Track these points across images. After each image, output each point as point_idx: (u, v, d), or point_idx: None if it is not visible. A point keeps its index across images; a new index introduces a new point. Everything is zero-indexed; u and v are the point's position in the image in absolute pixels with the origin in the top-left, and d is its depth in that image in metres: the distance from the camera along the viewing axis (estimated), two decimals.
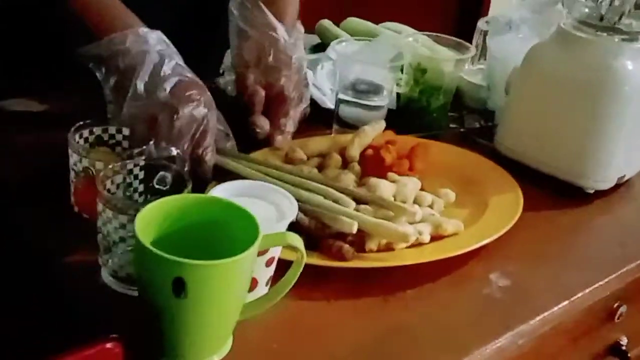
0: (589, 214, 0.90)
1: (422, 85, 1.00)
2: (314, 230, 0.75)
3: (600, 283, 0.79)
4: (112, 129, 0.76)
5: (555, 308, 0.74)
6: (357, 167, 0.87)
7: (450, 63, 1.00)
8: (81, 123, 0.74)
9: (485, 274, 0.77)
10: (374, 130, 0.91)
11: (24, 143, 0.85)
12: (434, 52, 1.03)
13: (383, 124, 0.93)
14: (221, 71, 1.06)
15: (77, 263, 0.70)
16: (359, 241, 0.75)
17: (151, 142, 0.74)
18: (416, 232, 0.77)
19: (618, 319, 0.88)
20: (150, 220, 0.60)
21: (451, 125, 1.03)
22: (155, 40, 0.80)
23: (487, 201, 0.86)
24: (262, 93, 0.92)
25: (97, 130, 0.76)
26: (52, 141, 0.78)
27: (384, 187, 0.81)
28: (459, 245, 0.77)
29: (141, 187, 0.72)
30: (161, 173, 0.70)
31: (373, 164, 0.86)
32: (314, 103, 0.99)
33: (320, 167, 0.87)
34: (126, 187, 0.71)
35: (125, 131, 0.77)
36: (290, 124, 0.91)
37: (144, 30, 0.80)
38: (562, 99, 0.90)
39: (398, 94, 1.03)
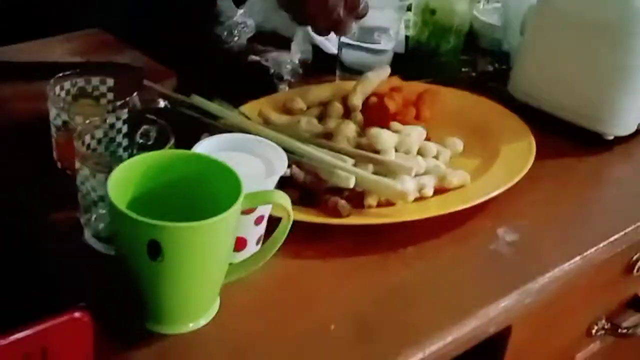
0: (608, 162, 0.84)
1: (431, 27, 0.94)
2: (309, 185, 0.71)
3: (616, 236, 0.73)
4: (95, 80, 0.72)
5: (566, 265, 0.69)
6: (359, 116, 0.81)
7: (462, 2, 0.94)
8: (61, 74, 0.70)
9: (493, 228, 0.72)
10: (378, 77, 0.86)
11: (5, 93, 0.81)
12: None
13: (388, 70, 0.87)
14: None
15: (60, 222, 0.67)
16: (358, 196, 0.71)
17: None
18: (416, 190, 0.72)
19: (637, 272, 0.84)
20: (125, 179, 0.56)
21: (463, 69, 0.97)
22: None
23: (497, 151, 0.80)
24: None
25: (80, 82, 0.72)
26: (37, 91, 0.74)
27: (386, 138, 0.76)
28: (463, 200, 0.72)
29: (125, 142, 0.68)
30: (144, 127, 0.66)
31: (376, 113, 0.81)
32: (316, 48, 0.94)
33: (321, 117, 0.82)
34: (109, 142, 0.67)
35: (110, 81, 0.72)
36: None
37: None
38: (581, 40, 0.83)
39: (406, 37, 0.97)
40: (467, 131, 0.83)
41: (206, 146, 0.63)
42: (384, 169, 0.73)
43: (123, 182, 0.55)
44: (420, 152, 0.78)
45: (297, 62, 0.91)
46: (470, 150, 0.80)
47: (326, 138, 0.77)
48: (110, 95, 0.72)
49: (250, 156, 0.64)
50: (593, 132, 0.85)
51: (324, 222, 0.68)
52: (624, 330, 0.85)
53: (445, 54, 0.95)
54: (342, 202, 0.69)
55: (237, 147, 0.64)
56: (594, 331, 0.84)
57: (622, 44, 0.82)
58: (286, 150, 0.71)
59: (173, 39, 0.88)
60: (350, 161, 0.72)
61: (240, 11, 0.94)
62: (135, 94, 0.70)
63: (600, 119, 0.85)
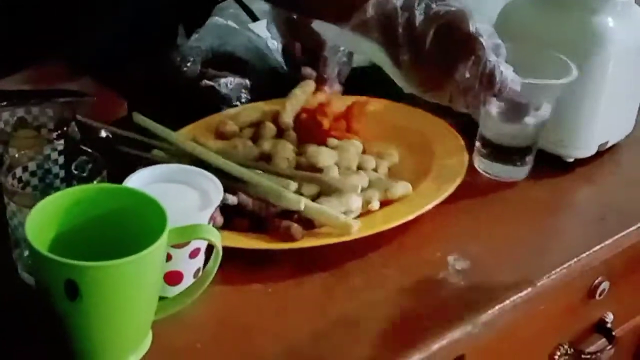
0: (567, 186, 0.82)
1: None
2: (258, 212, 0.69)
3: (570, 262, 0.71)
4: (35, 110, 0.70)
5: (518, 294, 0.66)
6: (293, 135, 0.80)
7: None
8: None
9: (443, 256, 0.69)
10: (305, 93, 0.84)
11: None
12: None
13: (312, 85, 0.85)
14: None
15: None
16: (304, 220, 0.68)
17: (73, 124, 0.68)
18: (361, 206, 0.70)
19: (600, 296, 0.81)
20: (47, 216, 0.53)
21: None
22: None
23: (431, 159, 0.78)
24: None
25: (19, 111, 0.70)
26: None
27: (325, 155, 0.75)
28: (409, 210, 0.70)
29: (62, 173, 0.66)
30: (80, 158, 0.64)
31: (310, 130, 0.80)
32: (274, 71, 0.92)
33: (255, 138, 0.80)
34: (44, 174, 0.65)
35: (49, 111, 0.70)
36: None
37: None
38: (536, 57, 0.81)
39: None
40: (399, 142, 0.81)
41: (140, 178, 0.61)
42: (329, 188, 0.71)
43: (45, 218, 0.53)
44: (359, 166, 0.76)
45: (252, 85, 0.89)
46: (406, 161, 0.79)
47: (264, 160, 0.76)
48: (51, 125, 0.70)
49: (186, 188, 0.62)
50: (551, 154, 0.83)
51: (266, 247, 0.66)
52: (587, 356, 0.83)
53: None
54: (295, 225, 0.67)
55: (172, 178, 0.62)
56: (556, 357, 0.81)
57: (579, 63, 0.79)
58: (230, 176, 0.69)
59: (130, 66, 0.87)
60: (294, 184, 0.71)
61: (195, 35, 0.92)
62: (73, 123, 0.68)
63: (559, 140, 0.82)
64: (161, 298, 0.58)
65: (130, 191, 0.56)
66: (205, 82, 0.87)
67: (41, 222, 0.53)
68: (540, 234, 0.75)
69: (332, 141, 0.78)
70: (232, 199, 0.67)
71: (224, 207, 0.67)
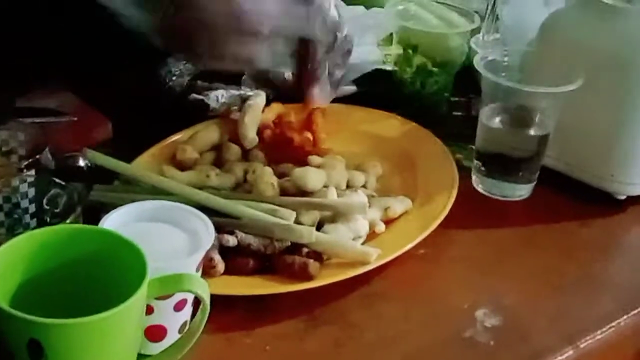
0: (618, 227, 0.80)
1: (414, 65, 0.91)
2: (263, 250, 0.68)
3: (621, 320, 0.69)
4: (3, 133, 0.70)
5: (558, 357, 0.65)
6: (260, 154, 0.80)
7: (453, 36, 0.91)
8: None
9: (470, 309, 0.68)
10: (261, 102, 0.84)
11: None
12: (432, 23, 0.93)
13: (263, 94, 0.86)
14: None
15: None
16: (313, 253, 0.68)
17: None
18: (377, 251, 0.68)
19: None
20: (11, 261, 0.53)
21: (454, 113, 0.94)
22: None
23: (413, 166, 0.81)
24: None
25: None
26: None
27: (313, 176, 0.74)
28: (418, 228, 0.72)
29: (33, 207, 0.65)
30: (53, 191, 0.63)
31: (279, 147, 0.80)
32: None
33: (219, 163, 0.80)
34: (12, 208, 0.64)
35: (21, 135, 0.70)
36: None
37: None
38: (586, 80, 0.80)
39: (389, 74, 0.94)
40: (374, 150, 0.83)
41: (119, 216, 0.60)
42: (332, 213, 0.71)
43: (9, 264, 0.52)
44: (347, 184, 0.77)
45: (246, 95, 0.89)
46: (388, 172, 0.81)
47: (242, 188, 0.76)
48: (22, 151, 0.70)
49: (173, 228, 0.61)
50: (599, 190, 0.81)
51: (278, 291, 0.65)
52: None
53: (432, 96, 0.92)
54: (311, 261, 0.66)
55: (156, 217, 0.61)
56: None
57: (635, 84, 0.78)
58: (221, 214, 0.69)
59: (113, 80, 0.86)
60: (292, 213, 0.70)
61: None
62: (46, 150, 0.67)
63: (610, 175, 0.80)
64: (141, 356, 0.57)
65: (107, 233, 0.55)
66: (194, 96, 0.87)
67: (4, 269, 0.52)
68: (586, 283, 0.73)
69: (316, 159, 0.78)
70: (231, 240, 0.66)
71: (222, 249, 0.66)
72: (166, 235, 0.60)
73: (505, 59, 0.81)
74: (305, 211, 0.71)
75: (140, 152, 0.80)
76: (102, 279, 0.55)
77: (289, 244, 0.68)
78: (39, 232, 0.54)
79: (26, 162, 0.65)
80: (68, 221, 0.60)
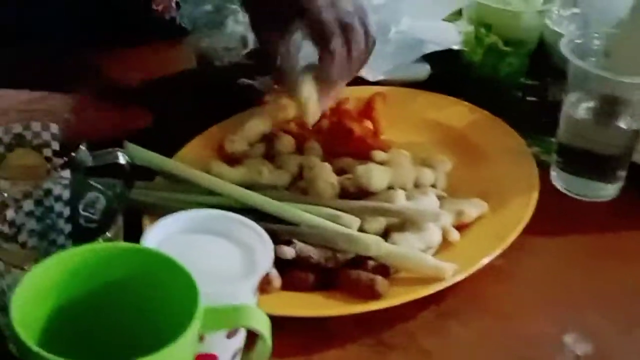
0: None
1: (486, 46, 0.82)
2: (324, 263, 0.61)
3: None
4: (36, 125, 0.63)
5: None
6: (316, 146, 0.73)
7: (528, 14, 0.82)
8: None
9: (558, 335, 0.60)
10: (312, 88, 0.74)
11: None
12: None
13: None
14: None
15: None
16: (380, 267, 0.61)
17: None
18: (453, 267, 0.61)
19: None
20: (41, 287, 0.46)
21: (527, 98, 0.85)
22: None
23: (486, 165, 0.73)
24: None
25: (16, 127, 0.62)
26: None
27: (378, 175, 0.67)
28: (498, 236, 0.64)
29: (68, 211, 0.59)
30: (89, 195, 0.56)
31: (337, 139, 0.73)
32: None
33: (270, 156, 0.72)
34: (44, 212, 0.58)
35: (54, 127, 0.63)
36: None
37: None
38: None
39: (459, 53, 0.86)
40: (440, 141, 0.76)
41: (165, 227, 0.53)
42: (400, 220, 0.65)
43: (38, 291, 0.46)
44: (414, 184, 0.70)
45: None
46: (456, 167, 0.73)
47: (297, 186, 0.69)
48: (55, 145, 0.63)
49: (223, 242, 0.54)
50: None
51: (341, 313, 0.58)
52: None
53: (505, 79, 0.83)
54: (379, 278, 0.59)
55: (204, 228, 0.54)
56: None
57: None
58: (277, 219, 0.62)
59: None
60: (356, 221, 0.63)
61: (230, 21, 0.84)
62: (83, 145, 0.60)
63: None
64: None
65: (152, 254, 0.48)
66: (243, 80, 0.79)
67: (33, 297, 0.45)
68: None
69: (379, 154, 0.71)
70: (289, 252, 0.59)
71: (278, 261, 0.59)
72: (217, 250, 0.53)
73: (596, 42, 0.73)
74: (370, 217, 0.64)
75: (181, 143, 0.74)
76: (146, 305, 0.48)
77: (353, 255, 0.61)
78: (72, 253, 0.47)
79: (61, 161, 0.59)
80: (109, 234, 0.53)
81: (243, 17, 0.84)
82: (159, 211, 0.64)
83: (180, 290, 0.47)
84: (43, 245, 0.58)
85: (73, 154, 0.59)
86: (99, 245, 0.50)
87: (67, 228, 0.59)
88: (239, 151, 0.72)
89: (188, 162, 0.70)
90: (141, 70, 0.83)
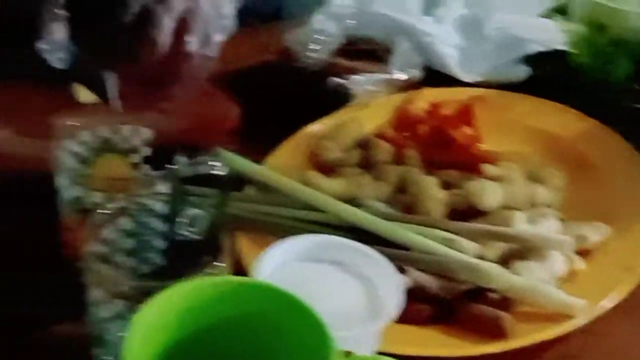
0: None
1: (596, 47, 0.76)
2: (442, 294, 0.56)
3: None
4: (126, 129, 0.58)
5: None
6: (415, 155, 0.68)
7: None
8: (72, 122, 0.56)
9: None
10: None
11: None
12: None
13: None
14: None
15: (65, 339, 0.54)
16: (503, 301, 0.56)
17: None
18: (582, 303, 0.56)
19: None
20: (152, 326, 0.42)
21: (637, 106, 0.79)
22: None
23: (599, 181, 0.67)
24: None
25: (104, 131, 0.58)
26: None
27: (490, 194, 0.62)
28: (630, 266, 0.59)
29: (165, 227, 0.54)
30: (190, 210, 0.52)
31: (437, 147, 0.69)
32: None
33: (365, 164, 0.67)
34: (139, 230, 0.53)
35: (146, 132, 0.58)
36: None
37: None
38: None
39: (560, 55, 0.80)
40: (548, 153, 0.70)
41: (279, 255, 0.49)
42: (521, 246, 0.59)
43: (150, 329, 0.41)
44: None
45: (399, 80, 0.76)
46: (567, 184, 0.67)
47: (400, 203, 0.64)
48: (146, 151, 0.58)
49: (342, 272, 0.49)
50: None
51: (455, 354, 0.53)
52: None
53: (618, 84, 0.77)
54: (505, 315, 0.54)
55: (321, 255, 0.50)
56: None
57: None
58: (381, 239, 0.57)
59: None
60: (474, 246, 0.58)
61: (320, 15, 0.79)
62: (179, 154, 0.56)
63: None
64: None
65: (273, 291, 0.43)
66: (334, 79, 0.74)
67: (143, 337, 0.41)
68: None
69: (490, 169, 0.66)
70: (404, 281, 0.55)
71: None
72: (335, 284, 0.49)
73: None
74: (487, 242, 0.59)
75: (267, 147, 0.69)
76: (264, 343, 0.44)
77: (472, 286, 0.56)
78: (185, 288, 0.43)
79: (158, 174, 0.54)
80: (223, 265, 0.48)
81: (338, 9, 0.79)
82: (256, 226, 0.60)
83: (304, 331, 0.43)
84: (135, 263, 0.54)
85: (171, 165, 0.55)
86: (214, 279, 0.46)
87: (162, 245, 0.54)
88: (332, 160, 0.67)
89: (278, 169, 0.66)
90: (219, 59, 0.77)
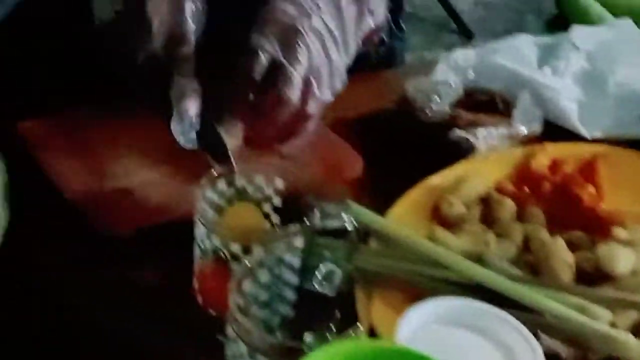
0: None
1: None
2: None
3: None
4: (259, 179, 0.59)
5: None
6: (538, 213, 0.66)
7: None
8: (215, 174, 0.58)
9: None
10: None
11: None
12: None
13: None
14: None
15: None
16: None
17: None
18: None
19: None
20: None
21: None
22: None
23: None
24: None
25: (239, 180, 0.59)
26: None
27: (622, 259, 0.61)
28: None
29: (296, 279, 0.54)
30: (324, 265, 0.52)
31: (564, 207, 0.67)
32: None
33: (487, 220, 0.67)
34: (273, 282, 0.54)
35: (279, 182, 0.59)
36: None
37: None
38: None
39: None
40: None
41: (417, 317, 0.49)
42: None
43: None
44: None
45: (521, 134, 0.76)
46: None
47: (525, 263, 0.63)
48: (277, 201, 0.59)
49: (482, 339, 0.49)
50: None
51: None
52: None
53: None
54: None
55: (461, 320, 0.49)
56: None
57: None
58: (515, 305, 0.56)
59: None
60: (606, 313, 0.57)
61: (442, 66, 0.79)
62: (312, 205, 0.56)
63: None
64: None
65: (414, 357, 0.43)
66: (457, 132, 0.74)
67: None
68: None
69: (621, 232, 0.64)
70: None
71: None
72: (476, 352, 0.48)
73: None
74: (619, 309, 0.57)
75: (389, 197, 0.69)
76: None
77: (605, 355, 0.55)
78: (333, 351, 0.43)
79: (293, 227, 0.55)
80: (358, 325, 0.48)
81: (460, 60, 0.79)
82: (383, 282, 0.60)
83: None
84: (267, 315, 0.54)
85: (301, 216, 0.56)
86: (362, 343, 0.46)
87: (293, 297, 0.55)
88: (455, 215, 0.67)
89: (401, 222, 0.65)
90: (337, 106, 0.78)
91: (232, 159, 0.64)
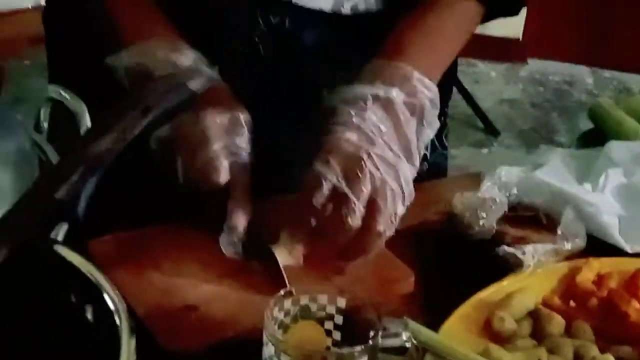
0: None
1: None
2: None
3: None
4: (322, 298, 0.63)
5: None
6: (586, 328, 0.69)
7: None
8: (282, 292, 0.61)
9: None
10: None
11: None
12: None
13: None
14: None
15: None
16: None
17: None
18: None
19: None
20: None
21: None
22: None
23: None
24: None
25: (304, 299, 0.62)
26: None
27: None
28: None
29: None
30: None
31: (611, 323, 0.70)
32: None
33: (537, 335, 0.69)
34: None
35: (340, 302, 0.63)
36: None
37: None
38: None
39: None
40: None
41: None
42: None
43: None
44: None
45: (565, 250, 0.79)
46: None
47: None
48: (338, 319, 0.63)
49: None
50: None
51: None
52: None
53: None
54: None
55: None
56: None
57: None
58: None
59: None
60: None
61: (487, 182, 0.83)
62: (371, 324, 0.59)
63: None
64: None
65: None
66: (505, 249, 0.77)
67: None
68: None
69: None
70: None
71: None
72: None
73: None
74: None
75: (439, 312, 0.71)
76: None
77: None
78: None
79: (358, 349, 0.57)
80: None
81: (504, 177, 0.83)
82: None
83: None
84: None
85: (361, 334, 0.59)
86: None
87: None
88: (507, 330, 0.70)
89: (453, 338, 0.68)
90: None
91: (285, 277, 0.68)
